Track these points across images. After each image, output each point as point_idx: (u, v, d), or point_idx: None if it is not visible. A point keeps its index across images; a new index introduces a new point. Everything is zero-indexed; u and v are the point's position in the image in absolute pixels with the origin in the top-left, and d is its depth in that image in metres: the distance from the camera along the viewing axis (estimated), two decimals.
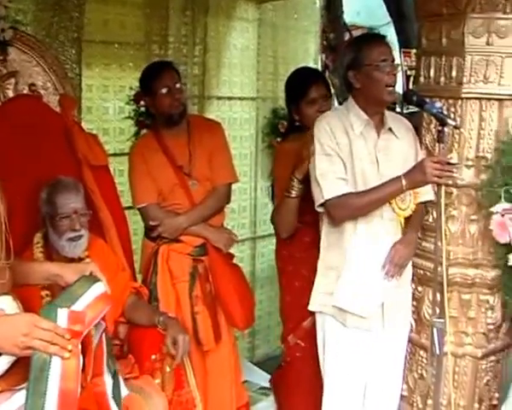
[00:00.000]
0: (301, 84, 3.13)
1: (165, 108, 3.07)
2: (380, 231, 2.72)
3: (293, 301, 3.16)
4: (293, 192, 2.92)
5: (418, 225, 2.84)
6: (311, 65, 4.68)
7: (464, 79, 2.81)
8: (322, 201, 2.68)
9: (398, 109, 4.11)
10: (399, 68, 2.72)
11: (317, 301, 2.84)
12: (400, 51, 5.62)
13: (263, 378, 4.12)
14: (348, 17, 6.29)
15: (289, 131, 3.32)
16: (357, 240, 2.71)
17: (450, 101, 2.87)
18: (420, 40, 3.07)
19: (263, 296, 4.71)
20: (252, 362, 4.56)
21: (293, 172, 2.91)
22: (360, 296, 2.70)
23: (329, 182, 2.66)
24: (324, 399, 2.87)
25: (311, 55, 4.97)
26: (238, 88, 4.49)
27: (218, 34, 4.36)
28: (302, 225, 3.05)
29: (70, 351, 1.66)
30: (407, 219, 2.78)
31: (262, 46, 4.64)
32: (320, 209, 2.75)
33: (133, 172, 3.15)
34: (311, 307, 2.87)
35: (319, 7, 5.11)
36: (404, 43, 5.67)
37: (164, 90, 3.05)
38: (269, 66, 4.67)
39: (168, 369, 2.62)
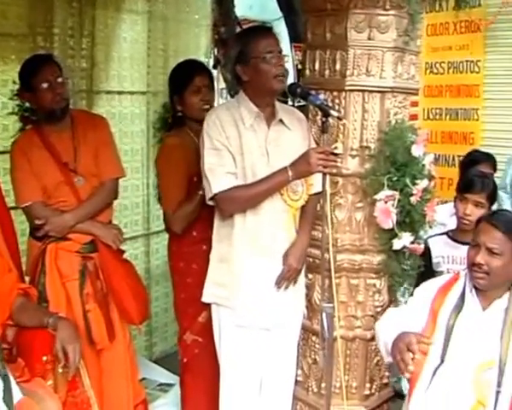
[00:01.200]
0: (186, 73, 3.17)
1: (46, 103, 2.97)
2: (271, 224, 2.74)
3: (188, 298, 3.15)
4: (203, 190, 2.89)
5: (311, 222, 2.88)
6: (203, 59, 4.65)
7: (347, 72, 2.91)
8: (211, 195, 2.69)
9: (290, 102, 4.20)
10: (287, 59, 2.77)
11: (211, 292, 2.85)
12: (291, 45, 5.71)
13: (161, 375, 4.11)
14: (240, 11, 6.30)
15: (172, 125, 3.31)
16: (246, 233, 2.73)
17: (335, 93, 2.96)
18: (306, 34, 3.14)
19: (159, 293, 4.67)
20: (151, 360, 4.51)
21: None
22: (251, 292, 2.75)
23: (218, 176, 2.66)
24: (221, 390, 2.88)
25: (202, 49, 4.94)
26: (128, 82, 4.40)
27: (107, 27, 4.24)
28: None
29: None
30: (302, 211, 2.83)
31: (152, 39, 4.55)
32: (210, 203, 2.75)
33: (15, 170, 3.02)
34: (204, 299, 2.87)
35: (210, 0, 5.08)
36: (295, 38, 5.76)
37: (45, 85, 2.94)
38: (159, 59, 4.58)
39: (60, 370, 2.54)
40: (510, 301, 2.36)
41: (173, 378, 3.86)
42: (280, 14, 6.15)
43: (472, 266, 2.38)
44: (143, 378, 3.83)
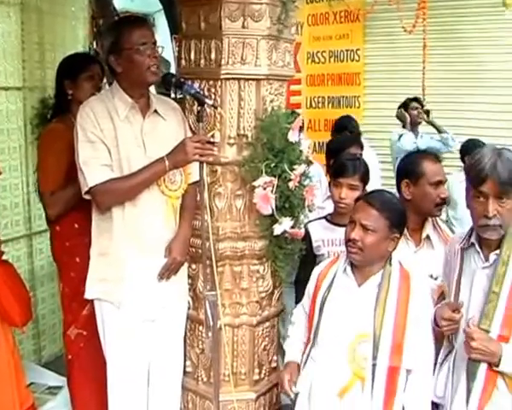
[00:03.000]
0: (82, 59, 3.29)
1: None
2: (150, 215, 2.73)
3: (72, 292, 3.12)
4: None
5: (192, 213, 2.88)
6: (81, 51, 4.55)
7: (223, 61, 2.91)
8: (86, 189, 2.65)
9: (172, 95, 4.17)
10: (161, 50, 2.74)
11: (93, 287, 2.80)
12: (172, 37, 5.67)
13: (50, 378, 4.00)
14: (121, 3, 6.23)
15: (54, 115, 3.26)
16: (126, 226, 2.71)
17: (211, 82, 2.96)
18: (180, 25, 3.13)
19: (45, 294, 4.51)
20: (40, 363, 4.37)
21: None
22: (134, 285, 2.73)
23: (93, 169, 2.63)
24: (109, 384, 2.84)
25: (80, 42, 4.82)
26: (2, 77, 4.19)
27: None
28: (71, 210, 3.04)
29: None
30: (182, 202, 2.84)
31: (26, 32, 4.35)
32: (87, 197, 2.70)
33: None
34: (87, 295, 2.83)
35: None
36: (176, 30, 5.72)
37: None
38: (35, 53, 4.40)
39: None
40: (383, 277, 2.46)
41: (62, 381, 3.77)
42: (160, 6, 6.10)
43: (348, 242, 2.48)
44: (31, 383, 3.73)
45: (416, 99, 5.94)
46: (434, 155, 2.89)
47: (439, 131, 5.79)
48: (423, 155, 2.91)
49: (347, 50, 7.02)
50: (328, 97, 7.18)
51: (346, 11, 6.84)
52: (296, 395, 2.52)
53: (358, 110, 7.00)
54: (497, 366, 2.21)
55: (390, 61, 6.72)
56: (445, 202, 2.82)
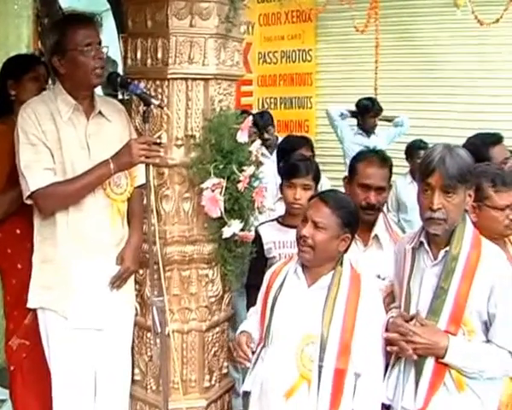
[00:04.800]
0: (27, 60, 3.23)
1: None
2: (96, 220, 2.66)
3: (13, 300, 3.02)
4: None
5: (141, 218, 2.82)
6: (25, 51, 4.42)
7: (170, 60, 2.84)
8: (28, 193, 2.57)
9: (120, 96, 4.07)
10: (106, 50, 2.66)
11: (36, 296, 2.72)
12: (119, 37, 5.57)
13: None
14: (67, 2, 6.07)
15: None
16: (70, 231, 2.63)
17: (158, 82, 2.89)
18: (127, 23, 3.05)
19: None
20: None
21: None
22: (80, 292, 2.65)
23: (35, 173, 2.55)
24: (54, 396, 2.74)
25: (23, 41, 4.69)
26: None
27: None
28: (12, 215, 2.92)
29: None
30: (130, 207, 2.78)
31: None
32: (28, 202, 2.61)
33: None
34: (30, 305, 2.74)
35: None
36: (123, 29, 5.62)
37: None
38: None
39: None
40: (333, 278, 2.43)
41: (5, 393, 3.62)
42: (107, 6, 5.98)
43: (299, 239, 2.44)
44: None
45: (371, 100, 5.90)
46: (381, 159, 2.85)
47: (391, 120, 5.83)
48: (367, 154, 2.91)
49: (299, 50, 7.02)
50: (281, 98, 7.17)
51: (297, 11, 6.85)
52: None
53: (310, 111, 7.01)
54: (443, 357, 2.21)
55: (342, 61, 6.76)
56: (372, 207, 2.76)
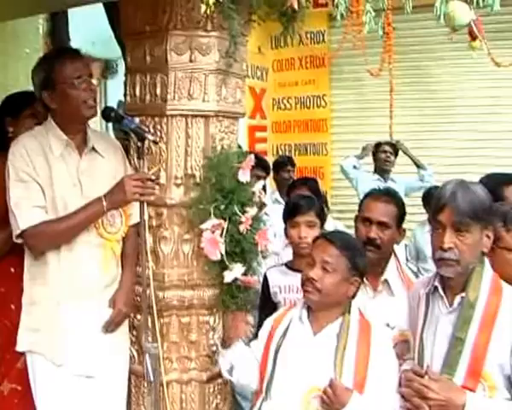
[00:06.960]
0: (25, 97, 3.06)
1: None
2: (88, 260, 2.55)
3: (5, 342, 2.83)
4: None
5: (134, 259, 2.72)
6: None
7: (169, 97, 2.75)
8: (18, 232, 2.47)
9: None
10: (96, 82, 2.58)
11: (24, 339, 2.60)
12: None
13: None
14: (82, 47, 6.08)
15: None
16: (62, 271, 2.52)
17: (157, 119, 2.80)
18: (125, 59, 2.99)
19: None
20: None
21: None
22: (70, 336, 2.52)
23: (25, 211, 2.46)
24: None
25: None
26: None
27: None
28: (7, 254, 2.79)
29: None
30: (124, 247, 2.67)
31: None
32: (18, 241, 2.51)
33: None
34: (18, 348, 2.62)
35: (42, 33, 4.87)
36: None
37: None
38: None
39: None
40: (342, 326, 2.27)
41: None
42: None
43: (305, 281, 2.30)
44: None
45: (389, 143, 5.76)
46: (386, 194, 2.74)
47: (418, 166, 5.67)
48: (375, 191, 2.84)
49: (313, 96, 6.94)
50: (295, 145, 7.07)
51: (311, 56, 6.82)
52: None
53: (326, 158, 6.90)
54: None
55: (357, 106, 6.67)
56: (372, 242, 2.61)
